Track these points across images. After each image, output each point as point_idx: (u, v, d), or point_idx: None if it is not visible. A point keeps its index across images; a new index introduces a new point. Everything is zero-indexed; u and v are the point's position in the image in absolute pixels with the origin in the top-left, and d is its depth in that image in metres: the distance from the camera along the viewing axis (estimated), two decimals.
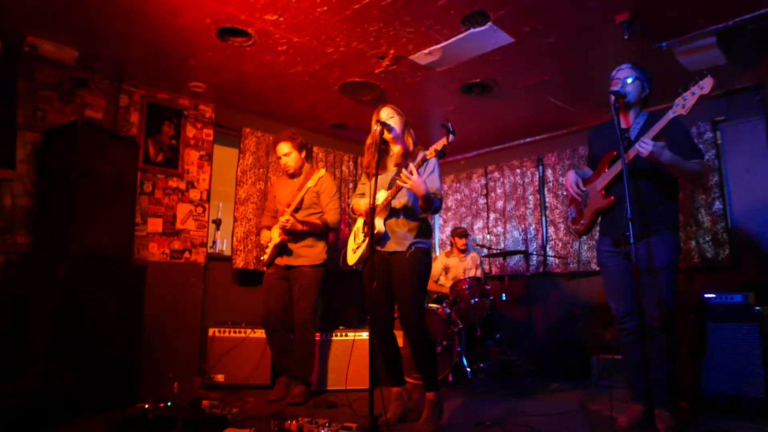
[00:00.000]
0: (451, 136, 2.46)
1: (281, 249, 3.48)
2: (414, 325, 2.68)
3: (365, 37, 3.32)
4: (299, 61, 3.65)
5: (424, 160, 2.61)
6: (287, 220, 3.35)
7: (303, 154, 3.62)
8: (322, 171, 3.41)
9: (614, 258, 2.62)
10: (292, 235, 3.44)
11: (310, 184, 3.39)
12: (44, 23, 3.20)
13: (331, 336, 3.86)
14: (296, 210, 3.46)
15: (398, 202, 2.77)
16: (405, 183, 2.55)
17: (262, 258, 3.60)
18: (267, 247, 3.54)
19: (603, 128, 2.79)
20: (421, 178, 2.58)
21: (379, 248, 2.77)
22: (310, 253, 3.48)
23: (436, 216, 6.01)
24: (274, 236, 3.46)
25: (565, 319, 4.89)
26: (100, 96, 3.83)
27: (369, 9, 3.00)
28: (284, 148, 3.54)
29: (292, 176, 3.62)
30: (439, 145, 2.51)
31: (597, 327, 4.37)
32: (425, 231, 2.84)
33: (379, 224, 2.74)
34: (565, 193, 4.96)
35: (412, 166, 2.55)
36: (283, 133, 3.59)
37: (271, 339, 3.50)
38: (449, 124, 2.45)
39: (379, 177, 2.84)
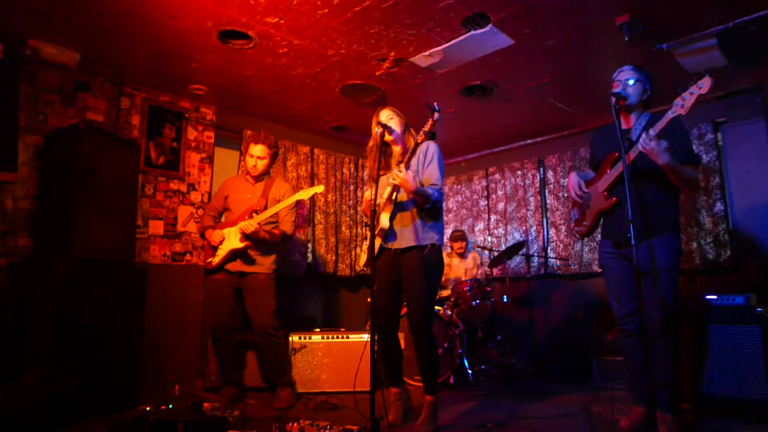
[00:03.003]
0: (436, 115, 2.49)
1: (236, 255, 3.34)
2: (423, 325, 2.68)
3: (366, 39, 3.32)
4: (300, 63, 3.66)
5: (416, 146, 2.62)
6: (250, 226, 3.21)
7: (271, 165, 3.54)
8: (304, 194, 3.28)
9: (615, 259, 2.62)
10: (251, 241, 3.30)
11: (294, 198, 3.24)
12: (45, 26, 3.20)
13: (332, 338, 3.86)
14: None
15: (403, 194, 2.75)
16: (395, 180, 2.56)
17: (209, 261, 3.37)
18: (218, 248, 3.35)
19: (605, 131, 2.79)
20: (410, 174, 2.57)
21: (388, 245, 2.76)
22: (264, 262, 3.39)
23: None
24: (233, 241, 3.30)
25: (567, 321, 4.89)
26: (102, 99, 3.83)
27: (370, 11, 3.00)
28: (260, 151, 3.43)
29: (254, 179, 3.50)
30: (426, 126, 2.53)
31: (598, 329, 4.37)
32: (435, 218, 2.78)
33: (384, 220, 2.72)
34: (566, 195, 4.96)
35: (401, 164, 2.57)
36: (265, 137, 3.46)
37: (219, 347, 3.39)
38: (434, 104, 2.48)
39: (383, 177, 2.86)
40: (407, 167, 2.63)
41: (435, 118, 2.49)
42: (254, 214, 3.30)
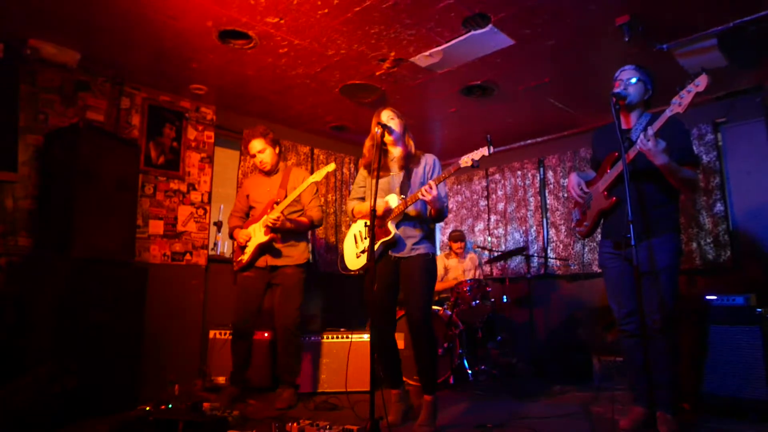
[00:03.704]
0: (491, 148, 2.50)
1: (264, 249, 3.33)
2: (422, 326, 2.70)
3: (366, 39, 3.32)
4: (300, 63, 3.66)
5: (458, 168, 2.61)
6: (277, 218, 3.22)
7: (277, 150, 3.49)
8: (317, 175, 3.27)
9: (615, 260, 2.62)
10: (278, 232, 3.29)
11: (309, 180, 3.26)
12: (46, 26, 3.21)
13: (332, 338, 3.86)
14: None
15: (413, 209, 2.80)
16: (425, 197, 2.59)
17: (240, 259, 3.37)
18: (245, 246, 3.36)
19: (606, 130, 2.79)
20: (439, 193, 2.62)
21: (391, 253, 2.79)
22: (293, 253, 3.38)
23: None
24: (259, 235, 3.29)
25: (567, 321, 4.89)
26: (102, 98, 3.83)
27: (370, 11, 3.01)
28: (258, 145, 3.40)
29: (268, 173, 3.48)
30: (477, 155, 2.56)
31: (598, 329, 4.37)
32: (432, 234, 2.93)
33: (393, 230, 2.76)
34: (566, 195, 4.96)
35: (432, 182, 2.59)
36: (254, 130, 3.44)
37: (238, 346, 3.35)
38: (488, 136, 2.52)
39: (382, 179, 2.86)
40: (414, 180, 2.73)
41: (489, 152, 2.52)
42: (275, 206, 3.30)
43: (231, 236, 3.52)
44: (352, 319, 5.18)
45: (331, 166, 3.26)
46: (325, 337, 3.84)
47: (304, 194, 3.36)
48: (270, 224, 3.23)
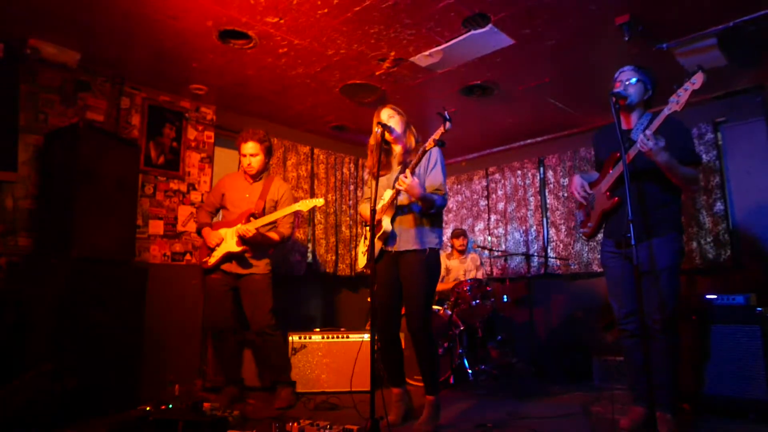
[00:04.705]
0: (447, 124, 2.48)
1: (232, 257, 3.34)
2: (421, 326, 2.69)
3: (366, 39, 3.32)
4: (300, 63, 3.66)
5: (424, 152, 2.61)
6: (249, 231, 3.20)
7: (267, 160, 3.49)
8: (302, 205, 3.24)
9: (617, 259, 2.62)
10: (249, 245, 3.30)
11: (293, 208, 3.22)
12: (46, 26, 3.20)
13: (332, 338, 3.86)
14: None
15: (404, 198, 2.76)
16: (400, 186, 2.56)
17: (205, 260, 3.38)
18: (214, 249, 3.35)
19: (607, 130, 2.79)
20: (416, 180, 2.57)
21: (388, 248, 2.77)
22: (259, 263, 3.38)
23: None
24: (231, 243, 3.30)
25: (567, 321, 4.89)
26: (102, 98, 3.83)
27: (370, 11, 3.00)
28: (252, 148, 3.39)
29: (253, 178, 3.47)
30: (436, 134, 2.52)
31: (598, 329, 4.36)
32: (436, 222, 2.81)
33: (386, 223, 2.73)
34: (566, 195, 4.96)
35: (407, 170, 2.55)
36: (253, 132, 3.41)
37: (220, 346, 3.38)
38: (445, 112, 2.47)
39: (384, 177, 2.86)
40: (412, 173, 2.64)
41: (447, 128, 2.49)
42: (252, 218, 3.29)
43: (198, 232, 3.48)
44: (352, 319, 5.19)
45: (320, 201, 3.26)
46: (324, 336, 3.85)
47: (281, 209, 3.35)
48: (245, 237, 3.22)
